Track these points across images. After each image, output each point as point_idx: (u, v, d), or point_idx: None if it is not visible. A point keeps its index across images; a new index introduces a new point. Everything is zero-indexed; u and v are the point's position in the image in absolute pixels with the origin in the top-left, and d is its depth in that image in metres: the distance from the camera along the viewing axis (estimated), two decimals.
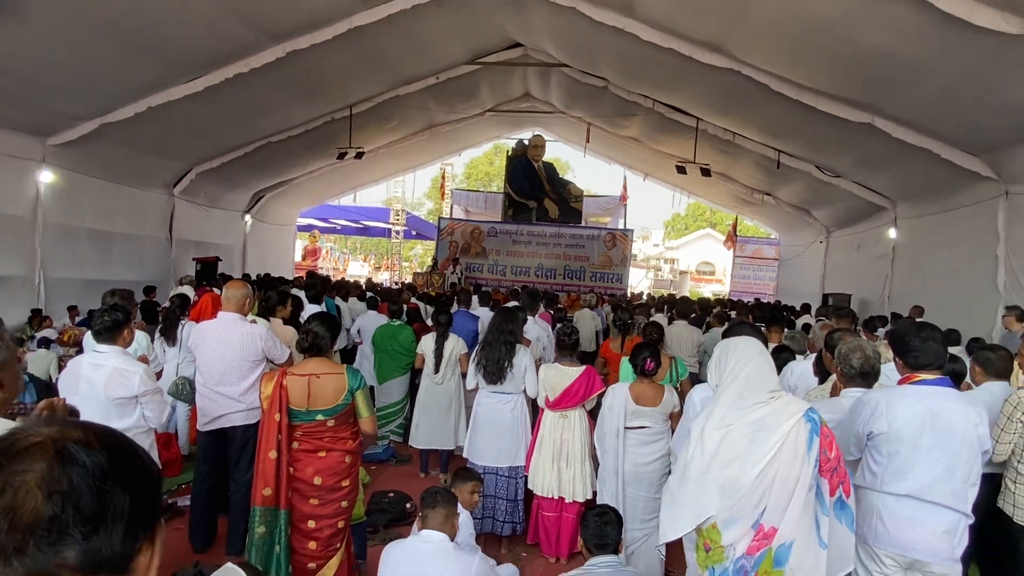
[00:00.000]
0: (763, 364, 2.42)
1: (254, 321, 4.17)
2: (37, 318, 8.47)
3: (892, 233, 11.24)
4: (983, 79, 6.07)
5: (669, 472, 3.89)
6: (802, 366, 4.29)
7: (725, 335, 3.04)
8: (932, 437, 2.54)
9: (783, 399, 2.36)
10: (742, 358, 2.43)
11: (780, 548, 2.22)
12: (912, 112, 7.46)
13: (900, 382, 2.74)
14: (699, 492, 2.32)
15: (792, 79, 7.83)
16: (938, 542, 2.56)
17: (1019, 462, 3.16)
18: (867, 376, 3.00)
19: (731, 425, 2.32)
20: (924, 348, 2.66)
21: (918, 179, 9.36)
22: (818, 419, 2.28)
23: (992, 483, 3.23)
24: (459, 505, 3.44)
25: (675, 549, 3.80)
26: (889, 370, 3.28)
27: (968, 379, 3.99)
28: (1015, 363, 3.82)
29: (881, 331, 7.60)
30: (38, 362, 6.26)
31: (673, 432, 3.84)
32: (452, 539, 2.88)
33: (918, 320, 2.78)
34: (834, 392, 3.25)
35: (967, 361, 4.35)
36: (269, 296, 5.42)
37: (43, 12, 6.34)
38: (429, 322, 6.83)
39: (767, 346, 3.03)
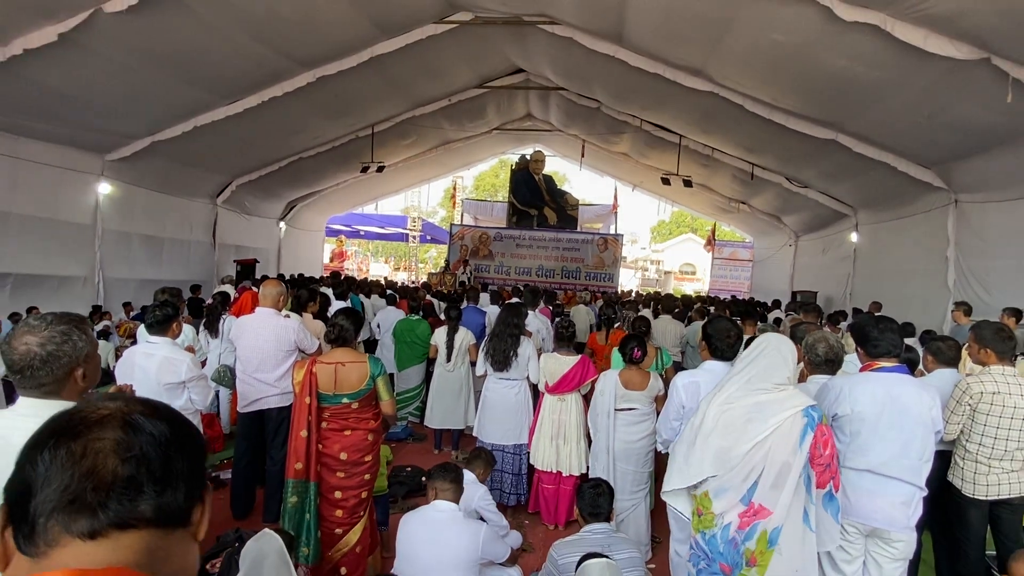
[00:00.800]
0: (778, 360, 2.36)
1: (287, 316, 4.17)
2: (97, 313, 8.50)
3: (853, 237, 11.19)
4: (935, 100, 6.03)
5: (655, 449, 3.90)
6: None
7: (706, 329, 3.03)
8: (890, 418, 2.52)
9: (788, 391, 2.32)
10: (766, 351, 2.39)
11: (773, 531, 2.20)
12: (871, 129, 7.42)
13: (861, 369, 2.73)
14: (699, 456, 2.34)
15: (764, 100, 7.80)
16: (895, 512, 2.55)
17: (967, 441, 3.14)
18: (831, 363, 2.98)
19: (733, 404, 2.32)
20: (883, 339, 2.65)
21: (877, 189, 9.31)
22: (817, 416, 2.24)
23: (943, 459, 3.21)
24: (476, 481, 3.45)
25: (660, 517, 3.78)
26: (852, 359, 3.27)
27: (921, 367, 3.97)
28: (963, 352, 3.79)
29: (843, 324, 7.57)
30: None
31: (658, 414, 3.83)
32: (459, 505, 2.88)
33: (877, 314, 2.76)
34: (801, 379, 3.24)
35: (920, 351, 4.33)
36: (300, 294, 5.42)
37: (103, 45, 6.36)
38: (442, 316, 6.83)
39: (742, 338, 3.03)
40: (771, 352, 2.37)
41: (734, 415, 2.30)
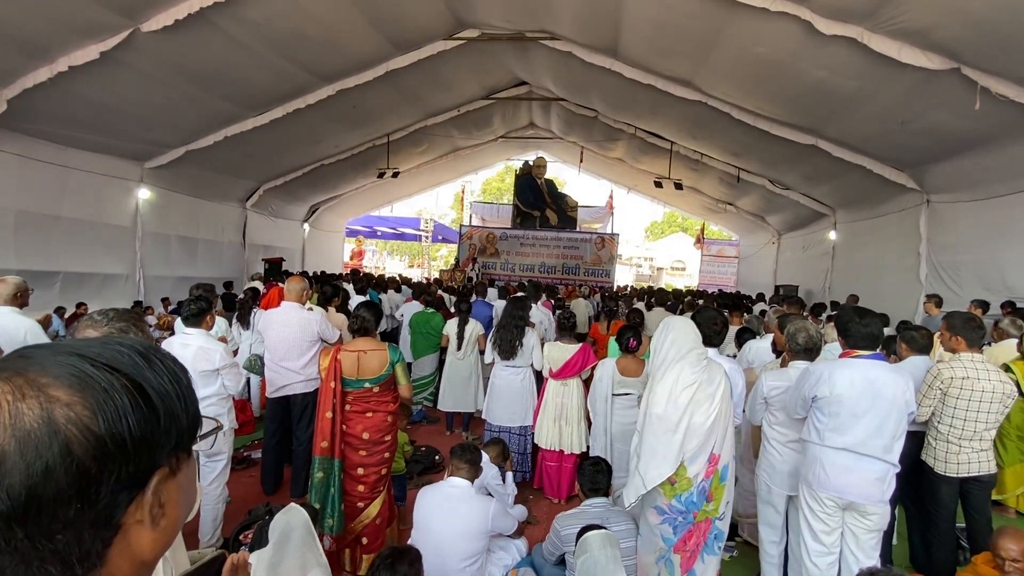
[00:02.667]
0: (697, 337, 2.60)
1: (311, 309, 4.19)
2: (138, 308, 8.55)
3: (832, 235, 11.11)
4: (909, 107, 5.97)
5: None
6: (759, 344, 4.26)
7: (695, 318, 3.03)
8: (867, 401, 2.52)
9: (712, 363, 2.59)
10: (685, 334, 2.58)
11: (723, 468, 2.53)
12: (849, 135, 7.36)
13: (841, 356, 2.72)
14: (678, 439, 2.46)
15: (749, 108, 7.75)
16: (870, 487, 2.54)
17: (939, 423, 3.13)
18: (810, 351, 2.98)
19: (694, 383, 2.48)
20: (862, 332, 2.64)
21: (854, 190, 9.25)
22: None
23: (917, 440, 3.20)
24: (488, 460, 3.48)
25: None
26: (834, 348, 3.25)
27: (895, 354, 3.96)
28: (935, 340, 3.78)
29: (824, 316, 7.53)
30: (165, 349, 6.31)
31: None
32: (473, 484, 2.89)
33: (860, 307, 2.74)
34: (783, 365, 3.23)
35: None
36: (325, 290, 5.45)
37: (141, 62, 6.38)
38: (452, 309, 6.83)
39: (728, 327, 3.06)
40: (689, 332, 2.60)
41: (701, 396, 2.48)
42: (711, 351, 2.94)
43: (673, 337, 2.56)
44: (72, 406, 0.45)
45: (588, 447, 4.19)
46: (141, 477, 0.49)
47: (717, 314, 3.03)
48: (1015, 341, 4.21)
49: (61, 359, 0.48)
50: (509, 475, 3.74)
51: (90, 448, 0.45)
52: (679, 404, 2.44)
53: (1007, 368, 3.75)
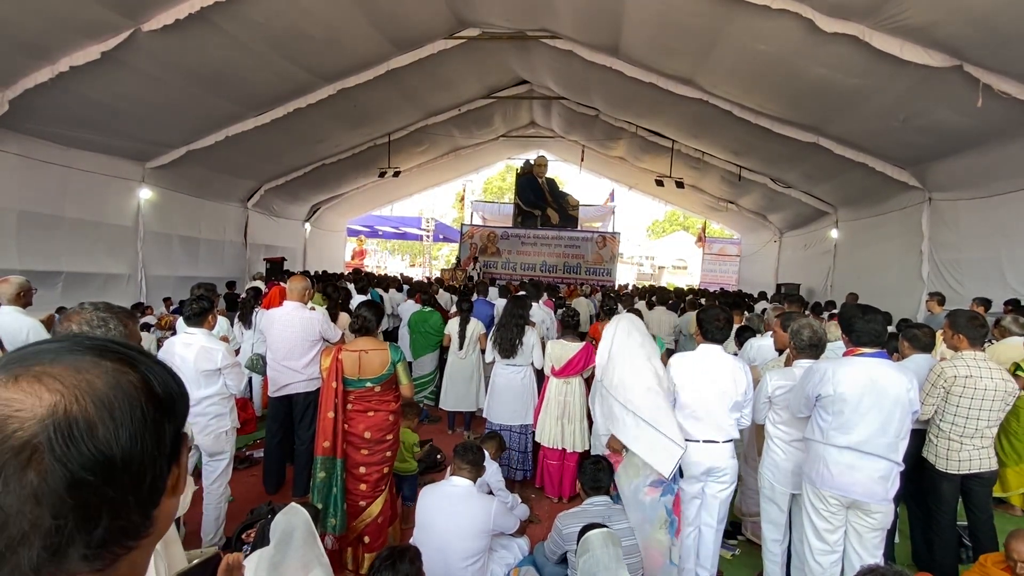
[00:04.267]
0: (642, 329, 3.22)
1: (313, 308, 4.19)
2: (139, 308, 8.55)
3: (834, 233, 11.09)
4: (911, 104, 5.95)
5: None
6: (760, 342, 4.25)
7: (699, 316, 3.05)
8: (871, 399, 2.51)
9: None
10: (632, 330, 3.16)
11: None
12: (851, 133, 7.34)
13: (845, 354, 2.71)
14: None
15: (750, 107, 7.73)
16: (874, 485, 2.53)
17: (941, 421, 3.12)
18: (815, 348, 2.97)
19: (640, 369, 2.97)
20: (866, 328, 2.63)
21: (855, 188, 9.22)
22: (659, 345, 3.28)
23: (919, 437, 3.19)
24: (488, 457, 3.48)
25: None
26: (838, 347, 3.25)
27: (898, 352, 3.95)
28: (938, 339, 3.76)
29: (826, 315, 7.52)
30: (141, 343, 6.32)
31: None
32: (475, 482, 2.89)
33: (864, 304, 2.75)
34: (788, 363, 3.22)
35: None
36: (328, 291, 5.45)
37: (142, 62, 6.37)
38: (450, 309, 6.82)
39: (731, 324, 3.09)
40: (634, 328, 3.15)
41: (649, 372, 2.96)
42: (715, 348, 2.97)
43: (631, 335, 3.13)
44: (128, 373, 0.50)
45: (590, 446, 4.18)
46: (176, 445, 0.53)
47: (720, 311, 3.04)
48: (1021, 340, 4.19)
49: (88, 342, 0.51)
50: (518, 500, 3.77)
51: (157, 408, 0.50)
52: (633, 381, 2.95)
53: (1017, 367, 3.73)
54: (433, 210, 25.58)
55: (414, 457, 3.76)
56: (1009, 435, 4.01)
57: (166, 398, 0.51)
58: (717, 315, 3.01)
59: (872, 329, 2.60)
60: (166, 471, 0.51)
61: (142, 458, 0.47)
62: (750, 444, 3.66)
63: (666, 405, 2.81)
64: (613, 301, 6.55)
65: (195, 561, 1.04)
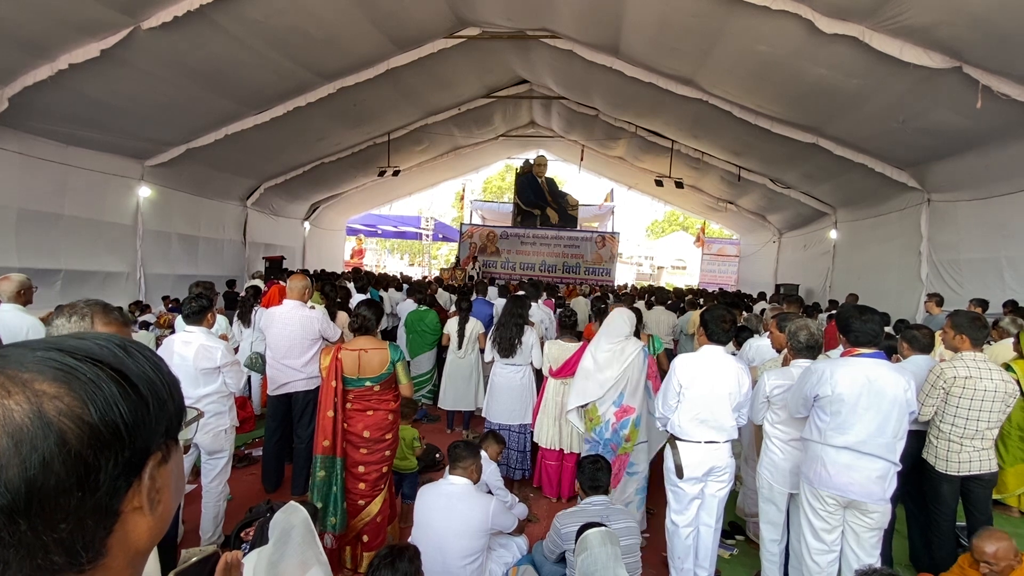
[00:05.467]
0: (621, 323, 3.67)
1: (312, 307, 4.19)
2: (138, 306, 8.55)
3: (833, 234, 11.10)
4: (910, 105, 5.96)
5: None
6: (759, 342, 4.26)
7: (704, 316, 3.04)
8: (868, 400, 2.51)
9: (631, 341, 3.64)
10: (615, 320, 3.69)
11: (636, 418, 3.57)
12: (850, 133, 7.35)
13: (842, 355, 2.71)
14: (591, 385, 3.59)
15: (750, 107, 7.73)
16: (872, 485, 2.54)
17: (941, 422, 3.13)
18: (812, 349, 2.97)
19: (610, 349, 3.59)
20: (864, 328, 2.63)
21: (855, 189, 9.23)
22: (647, 352, 3.72)
23: (918, 439, 3.20)
24: (488, 458, 3.48)
25: (654, 490, 3.79)
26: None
27: (897, 353, 3.95)
28: (936, 340, 3.77)
29: (822, 316, 7.52)
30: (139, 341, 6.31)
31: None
32: (475, 483, 2.89)
33: (860, 305, 2.77)
34: (785, 363, 3.23)
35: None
36: (328, 295, 5.45)
37: (142, 60, 6.37)
38: (452, 308, 6.81)
39: (736, 325, 3.09)
40: (618, 319, 3.68)
41: (606, 357, 3.58)
42: (719, 349, 2.96)
43: (607, 320, 3.73)
44: (60, 398, 0.45)
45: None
46: (136, 464, 0.50)
47: (726, 312, 3.02)
48: (1011, 341, 4.20)
49: (39, 354, 0.48)
50: (516, 500, 3.78)
51: (85, 437, 0.45)
52: (598, 361, 3.60)
53: (1008, 368, 3.74)
54: (432, 209, 25.55)
55: (413, 453, 3.76)
56: (1003, 436, 4.02)
57: (104, 423, 0.46)
58: (723, 316, 2.98)
59: (869, 329, 2.61)
60: (113, 497, 0.47)
61: (55, 495, 0.43)
62: (750, 445, 3.66)
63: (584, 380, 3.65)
64: (600, 302, 6.57)
65: (193, 559, 1.04)
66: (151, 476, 0.51)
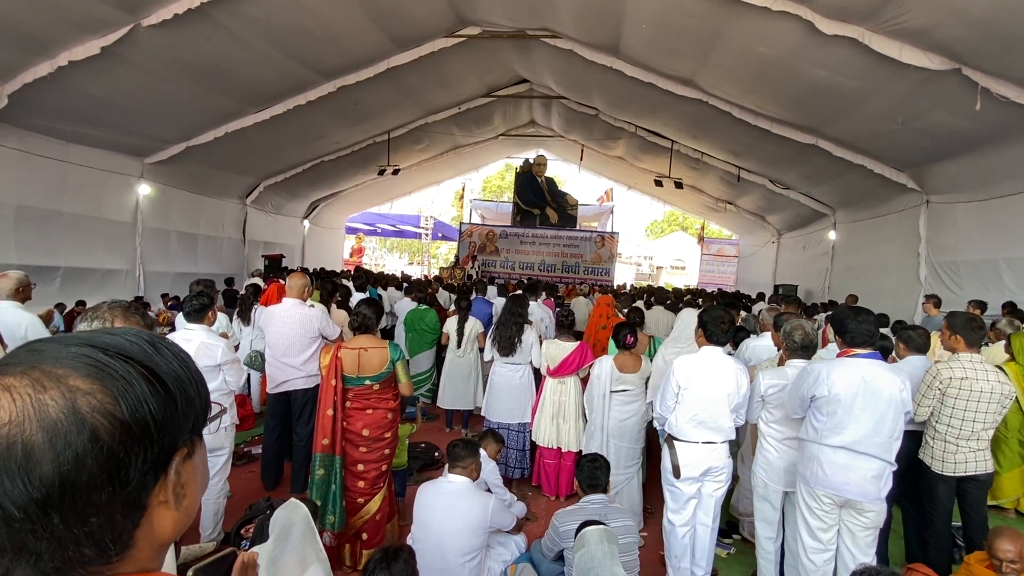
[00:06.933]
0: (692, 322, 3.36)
1: (312, 306, 4.20)
2: (138, 304, 8.53)
3: (832, 235, 11.12)
4: (909, 107, 5.98)
5: (645, 427, 3.93)
6: (756, 342, 4.27)
7: (703, 317, 3.04)
8: (864, 400, 2.53)
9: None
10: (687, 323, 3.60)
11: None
12: (849, 135, 7.37)
13: (838, 355, 2.73)
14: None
15: (750, 108, 7.75)
16: (868, 485, 2.55)
17: (937, 422, 3.14)
18: (807, 349, 2.99)
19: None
20: (859, 329, 2.64)
21: (854, 190, 9.25)
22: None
23: (914, 439, 3.21)
24: (487, 457, 3.49)
25: (652, 489, 3.80)
26: (833, 348, 3.26)
27: (893, 354, 3.97)
28: (933, 340, 3.78)
29: (820, 316, 7.53)
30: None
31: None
32: (474, 481, 2.90)
33: (855, 305, 2.80)
34: (780, 363, 3.24)
35: (893, 339, 4.31)
36: (326, 286, 5.45)
37: (142, 58, 6.37)
38: (451, 307, 6.82)
39: (734, 326, 3.09)
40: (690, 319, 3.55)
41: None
42: (717, 349, 2.96)
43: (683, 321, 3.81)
44: (93, 395, 0.47)
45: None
46: (164, 459, 0.51)
47: (724, 313, 3.02)
48: (1003, 343, 4.22)
49: (73, 350, 0.49)
50: (515, 498, 3.79)
51: (117, 434, 0.47)
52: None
53: (1000, 370, 3.75)
54: (432, 208, 25.54)
55: (408, 441, 3.75)
56: (1000, 441, 4.04)
57: (134, 420, 0.48)
58: (722, 317, 2.98)
59: (865, 330, 2.62)
60: (141, 492, 0.49)
61: (88, 489, 0.45)
62: (747, 445, 3.68)
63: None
64: (632, 306, 6.53)
65: (210, 556, 1.05)
66: (177, 471, 0.53)
